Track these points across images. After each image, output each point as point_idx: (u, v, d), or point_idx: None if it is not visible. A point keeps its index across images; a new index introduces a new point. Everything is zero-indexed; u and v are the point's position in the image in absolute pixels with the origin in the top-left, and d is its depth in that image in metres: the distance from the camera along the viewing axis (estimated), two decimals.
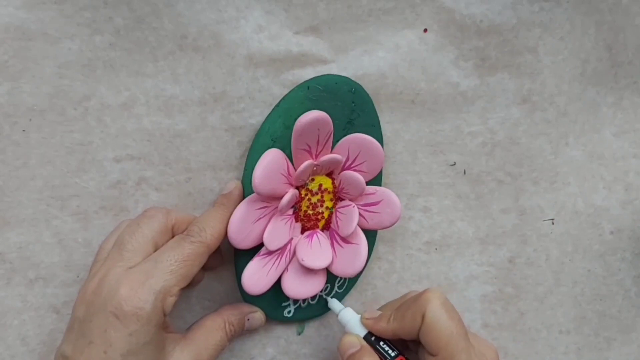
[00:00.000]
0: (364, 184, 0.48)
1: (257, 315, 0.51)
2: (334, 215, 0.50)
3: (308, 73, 0.51)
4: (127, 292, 0.42)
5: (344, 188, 0.49)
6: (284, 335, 0.53)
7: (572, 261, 0.54)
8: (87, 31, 0.50)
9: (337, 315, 0.50)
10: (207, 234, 0.46)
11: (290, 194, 0.47)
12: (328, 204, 0.50)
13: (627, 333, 0.54)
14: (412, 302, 0.46)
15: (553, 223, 0.54)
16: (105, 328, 0.42)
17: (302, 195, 0.49)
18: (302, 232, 0.50)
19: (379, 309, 0.50)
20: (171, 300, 0.43)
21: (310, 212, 0.50)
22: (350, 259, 0.49)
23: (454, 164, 0.53)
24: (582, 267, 0.54)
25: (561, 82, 0.53)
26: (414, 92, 0.52)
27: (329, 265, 0.49)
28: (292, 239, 0.49)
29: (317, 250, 0.49)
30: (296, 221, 0.49)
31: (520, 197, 0.54)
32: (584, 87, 0.53)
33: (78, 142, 0.50)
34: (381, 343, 0.47)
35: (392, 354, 0.47)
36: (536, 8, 0.51)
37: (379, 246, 0.54)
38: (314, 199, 0.49)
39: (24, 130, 0.50)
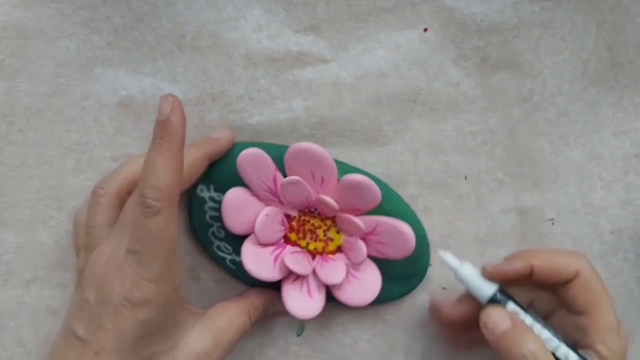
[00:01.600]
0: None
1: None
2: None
3: (308, 73, 0.51)
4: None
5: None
6: (283, 336, 0.53)
7: None
8: (85, 30, 0.49)
9: (454, 273, 0.47)
10: (163, 194, 0.41)
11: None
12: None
13: (631, 334, 0.54)
14: (560, 252, 0.47)
15: (553, 223, 0.54)
16: (116, 315, 0.41)
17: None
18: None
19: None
20: (179, 276, 0.43)
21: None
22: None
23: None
24: None
25: (562, 82, 0.53)
26: (414, 92, 0.52)
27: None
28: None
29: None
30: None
31: (521, 197, 0.53)
32: (584, 86, 0.53)
33: (75, 142, 0.50)
34: (511, 303, 0.46)
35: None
36: (537, 7, 0.51)
37: None
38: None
39: (21, 130, 0.50)
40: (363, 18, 0.51)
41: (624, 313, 0.54)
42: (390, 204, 0.50)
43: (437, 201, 0.53)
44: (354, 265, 0.49)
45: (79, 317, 0.43)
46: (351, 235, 0.49)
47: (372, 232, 0.48)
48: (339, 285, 0.48)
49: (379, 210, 0.47)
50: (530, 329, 0.44)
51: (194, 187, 0.50)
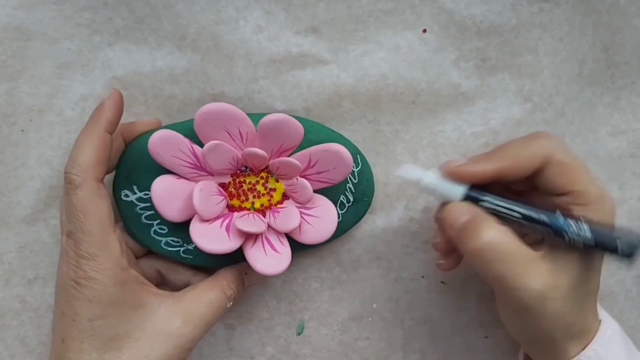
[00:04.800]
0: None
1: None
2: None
3: (308, 74, 0.51)
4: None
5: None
6: (283, 334, 0.53)
7: None
8: (87, 32, 0.49)
9: (417, 184, 0.45)
10: (82, 168, 0.43)
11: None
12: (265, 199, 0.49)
13: (630, 334, 0.54)
14: (524, 143, 0.44)
15: None
16: (69, 298, 0.42)
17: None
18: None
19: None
20: (125, 255, 0.45)
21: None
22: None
23: None
24: None
25: (559, 82, 0.53)
26: (414, 93, 0.52)
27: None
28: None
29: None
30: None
31: None
32: (580, 87, 0.54)
33: None
34: (485, 202, 0.43)
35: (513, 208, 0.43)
36: (536, 9, 0.51)
37: (378, 246, 0.54)
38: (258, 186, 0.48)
39: (22, 131, 0.50)
40: (363, 20, 0.51)
41: (621, 312, 0.54)
42: (315, 135, 0.49)
43: (437, 201, 0.54)
44: (305, 206, 0.48)
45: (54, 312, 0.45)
46: (291, 178, 0.48)
47: (308, 166, 0.47)
48: (298, 230, 0.47)
49: (306, 144, 0.47)
50: (490, 219, 0.43)
51: (118, 195, 0.48)
